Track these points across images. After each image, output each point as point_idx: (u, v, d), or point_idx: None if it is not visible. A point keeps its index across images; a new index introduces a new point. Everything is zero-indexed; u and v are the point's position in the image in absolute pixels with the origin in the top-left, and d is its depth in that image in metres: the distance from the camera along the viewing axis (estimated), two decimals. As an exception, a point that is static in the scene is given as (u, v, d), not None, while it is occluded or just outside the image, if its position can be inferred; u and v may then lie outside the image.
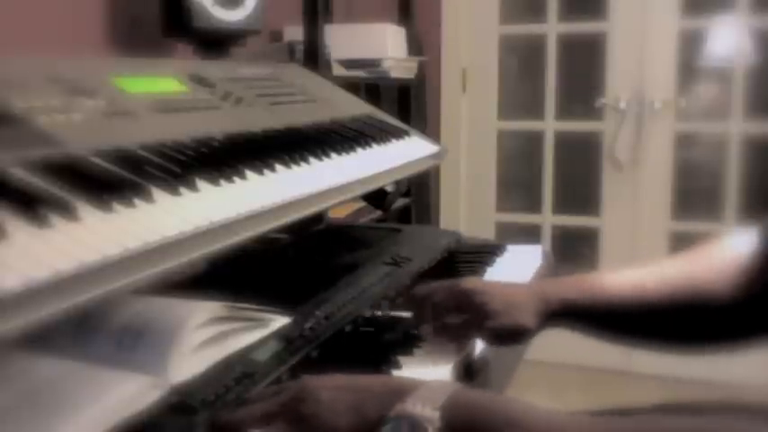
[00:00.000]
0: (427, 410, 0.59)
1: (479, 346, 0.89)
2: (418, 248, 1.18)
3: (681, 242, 2.71)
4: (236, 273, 0.95)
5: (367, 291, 0.96)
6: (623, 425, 0.61)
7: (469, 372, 0.86)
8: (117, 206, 0.59)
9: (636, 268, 0.89)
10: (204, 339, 0.69)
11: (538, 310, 0.85)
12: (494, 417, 0.59)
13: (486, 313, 0.84)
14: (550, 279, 0.93)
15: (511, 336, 0.85)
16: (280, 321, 0.80)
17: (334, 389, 0.63)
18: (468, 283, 0.88)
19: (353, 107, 1.27)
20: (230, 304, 0.74)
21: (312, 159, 0.90)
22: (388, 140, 1.14)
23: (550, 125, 2.86)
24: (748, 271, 0.80)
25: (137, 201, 0.61)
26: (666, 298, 0.83)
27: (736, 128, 2.66)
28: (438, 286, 0.89)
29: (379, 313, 0.94)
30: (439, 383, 0.64)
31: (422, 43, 2.67)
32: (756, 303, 0.78)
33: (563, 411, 0.60)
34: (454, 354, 0.84)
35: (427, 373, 0.78)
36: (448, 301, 0.87)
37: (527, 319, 0.84)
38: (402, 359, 0.81)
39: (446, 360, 0.82)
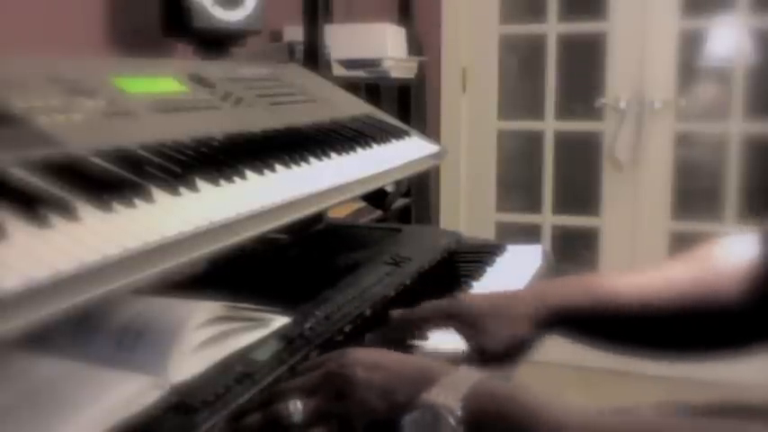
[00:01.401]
0: (450, 400, 0.59)
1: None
2: (418, 248, 1.18)
3: (681, 242, 2.71)
4: (236, 273, 0.95)
5: (367, 291, 0.96)
6: (642, 422, 0.61)
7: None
8: (117, 206, 0.59)
9: (638, 271, 0.86)
10: (204, 339, 0.69)
11: (534, 318, 0.81)
12: (515, 408, 0.60)
13: (477, 335, 0.80)
14: (549, 282, 0.89)
15: (507, 353, 0.81)
16: (280, 321, 0.80)
17: (370, 367, 0.65)
18: (456, 303, 0.84)
19: (353, 107, 1.27)
20: (230, 304, 0.74)
21: (312, 159, 0.90)
22: (388, 140, 1.14)
23: (550, 125, 2.86)
24: (754, 275, 0.78)
25: (137, 201, 0.61)
26: (672, 303, 0.80)
27: (736, 128, 2.66)
28: (425, 309, 0.85)
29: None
30: (465, 373, 0.64)
31: (422, 43, 2.67)
32: (762, 309, 0.77)
33: (583, 406, 0.60)
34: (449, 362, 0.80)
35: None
36: (437, 324, 0.84)
37: (522, 331, 0.81)
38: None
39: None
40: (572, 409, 0.59)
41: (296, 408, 0.64)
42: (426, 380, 0.62)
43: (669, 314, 0.81)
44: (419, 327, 0.86)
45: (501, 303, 0.83)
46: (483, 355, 0.80)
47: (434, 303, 0.86)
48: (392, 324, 0.86)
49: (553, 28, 2.80)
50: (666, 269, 0.84)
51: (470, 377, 0.63)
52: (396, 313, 0.86)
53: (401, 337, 0.86)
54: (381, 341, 0.84)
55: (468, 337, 0.81)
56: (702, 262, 0.83)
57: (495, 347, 0.80)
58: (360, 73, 2.11)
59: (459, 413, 0.59)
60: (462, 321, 0.82)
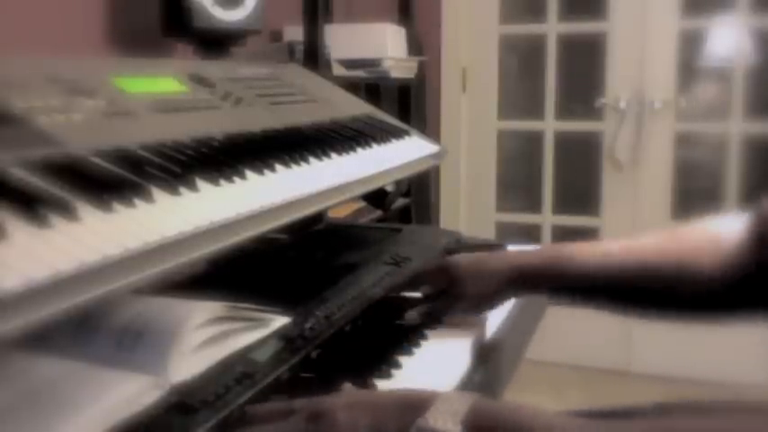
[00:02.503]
0: (449, 425, 0.58)
1: (474, 355, 0.88)
2: (418, 248, 1.18)
3: (681, 242, 2.71)
4: (236, 273, 0.95)
5: (367, 291, 0.96)
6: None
7: (464, 384, 0.83)
8: (117, 206, 0.59)
9: (610, 241, 0.94)
10: (204, 339, 0.69)
11: (504, 275, 0.92)
12: (518, 428, 0.59)
13: (455, 283, 0.94)
14: (530, 247, 1.00)
15: (480, 302, 0.94)
16: (280, 321, 0.80)
17: (349, 408, 0.62)
18: (446, 258, 1.00)
19: (353, 107, 1.27)
20: (230, 304, 0.74)
21: (312, 159, 0.90)
22: (388, 140, 1.14)
23: (550, 125, 2.86)
24: (739, 250, 0.81)
25: (137, 201, 0.61)
26: (631, 268, 0.86)
27: (736, 128, 2.66)
28: (431, 263, 1.03)
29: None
30: (457, 395, 0.63)
31: (422, 43, 2.67)
32: (748, 282, 0.79)
33: (584, 421, 0.60)
34: (449, 362, 0.84)
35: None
36: (435, 275, 0.98)
37: (491, 286, 0.93)
38: (401, 359, 0.81)
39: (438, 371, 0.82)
40: (571, 426, 0.59)
41: None
42: (414, 407, 0.61)
43: (632, 287, 0.87)
44: (420, 281, 1.00)
45: (481, 260, 0.96)
46: (460, 302, 0.93)
47: (431, 260, 1.05)
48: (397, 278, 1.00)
49: (553, 28, 2.80)
50: (640, 245, 0.90)
51: (466, 398, 0.61)
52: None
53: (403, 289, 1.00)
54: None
55: (450, 286, 0.94)
56: (675, 235, 0.89)
57: (471, 295, 0.93)
58: (360, 73, 2.11)
59: None
60: (449, 274, 0.95)
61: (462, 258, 0.97)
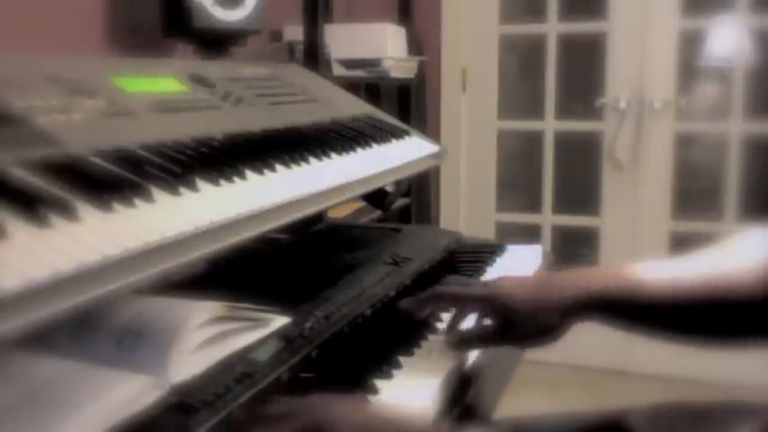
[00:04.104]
0: None
1: (473, 355, 0.87)
2: (418, 248, 1.18)
3: (681, 242, 2.71)
4: (236, 273, 0.95)
5: (367, 291, 0.96)
6: None
7: (463, 383, 0.83)
8: (117, 206, 0.59)
9: (666, 263, 0.86)
10: (204, 339, 0.69)
11: (569, 305, 0.83)
12: None
13: (512, 321, 0.83)
14: (584, 270, 0.89)
15: (539, 336, 0.84)
16: (280, 321, 0.80)
17: (358, 428, 0.64)
18: (494, 287, 0.86)
19: (353, 107, 1.27)
20: (230, 304, 0.74)
21: (312, 159, 0.90)
22: (388, 140, 1.14)
23: (550, 125, 2.86)
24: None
25: (137, 201, 0.61)
26: (700, 293, 0.81)
27: (736, 128, 2.66)
28: (462, 289, 0.90)
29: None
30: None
31: (422, 43, 2.67)
32: None
33: None
34: (449, 362, 0.83)
35: (414, 390, 0.76)
36: (473, 306, 0.88)
37: (554, 319, 0.83)
38: (402, 359, 0.81)
39: (438, 371, 0.81)
40: None
41: None
42: None
43: (696, 304, 0.81)
44: (454, 305, 0.90)
45: (535, 289, 0.85)
46: (507, 337, 0.84)
47: (471, 288, 0.91)
48: (425, 295, 0.90)
49: (553, 28, 2.80)
50: (694, 260, 0.84)
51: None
52: (433, 291, 0.90)
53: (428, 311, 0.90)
54: (412, 305, 0.89)
55: (498, 322, 0.84)
56: (725, 253, 0.83)
57: (531, 333, 0.83)
58: (360, 73, 2.11)
59: None
60: (500, 308, 0.84)
61: (513, 289, 0.86)
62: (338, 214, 1.69)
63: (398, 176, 1.13)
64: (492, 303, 0.85)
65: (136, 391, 0.60)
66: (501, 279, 0.89)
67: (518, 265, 1.21)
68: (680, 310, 0.82)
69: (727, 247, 0.84)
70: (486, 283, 0.89)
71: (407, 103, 2.47)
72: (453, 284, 0.93)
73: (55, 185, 0.59)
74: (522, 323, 0.83)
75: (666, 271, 0.84)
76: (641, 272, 0.84)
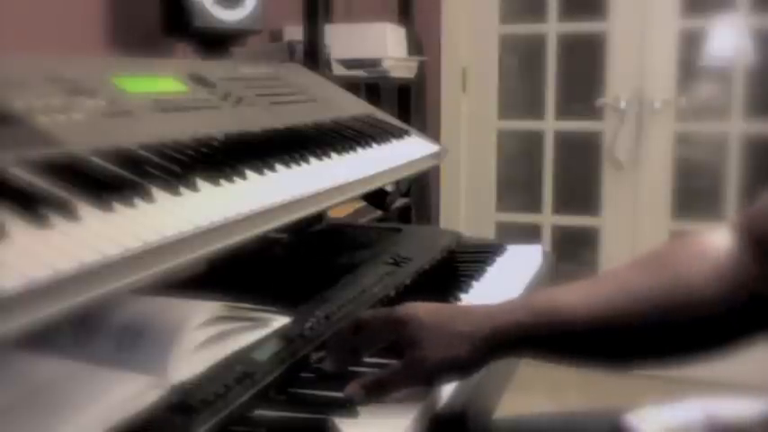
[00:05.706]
0: None
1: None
2: (418, 248, 1.18)
3: (681, 242, 2.71)
4: (236, 273, 0.95)
5: (367, 291, 0.96)
6: None
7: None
8: (117, 206, 0.59)
9: (593, 282, 0.78)
10: (204, 339, 0.69)
11: (479, 338, 0.72)
12: None
13: (412, 344, 0.72)
14: (507, 300, 0.80)
15: (439, 371, 0.73)
16: (280, 321, 0.80)
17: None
18: (402, 312, 0.76)
19: (353, 107, 1.27)
20: (230, 304, 0.73)
21: (312, 159, 0.90)
22: (388, 140, 1.14)
23: (550, 125, 2.86)
24: (730, 270, 0.71)
25: (137, 201, 0.61)
26: (630, 314, 0.72)
27: (736, 128, 2.66)
28: (372, 318, 0.79)
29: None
30: None
31: (422, 43, 2.67)
32: (753, 301, 0.70)
33: None
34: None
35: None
36: (382, 334, 0.77)
37: (461, 350, 0.72)
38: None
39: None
40: None
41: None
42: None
43: (626, 325, 0.73)
44: (362, 335, 0.78)
45: (446, 318, 0.75)
46: (415, 371, 0.72)
47: (378, 310, 0.83)
48: (338, 337, 0.80)
49: (553, 28, 2.80)
50: (624, 276, 0.76)
51: None
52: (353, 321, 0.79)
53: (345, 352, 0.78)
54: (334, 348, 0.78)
55: (405, 348, 0.73)
56: (665, 265, 0.75)
57: (430, 364, 0.72)
58: (360, 73, 2.11)
59: None
60: (404, 331, 0.74)
61: (422, 311, 0.75)
62: (338, 214, 1.68)
63: (398, 176, 1.13)
64: (399, 325, 0.74)
65: (136, 391, 0.60)
66: (413, 305, 0.77)
67: (518, 265, 1.21)
68: (602, 337, 0.73)
69: (668, 255, 0.77)
70: (394, 309, 0.77)
71: (407, 103, 2.47)
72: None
73: (55, 185, 0.59)
74: (423, 350, 0.72)
75: (586, 295, 0.75)
76: (560, 301, 0.75)
